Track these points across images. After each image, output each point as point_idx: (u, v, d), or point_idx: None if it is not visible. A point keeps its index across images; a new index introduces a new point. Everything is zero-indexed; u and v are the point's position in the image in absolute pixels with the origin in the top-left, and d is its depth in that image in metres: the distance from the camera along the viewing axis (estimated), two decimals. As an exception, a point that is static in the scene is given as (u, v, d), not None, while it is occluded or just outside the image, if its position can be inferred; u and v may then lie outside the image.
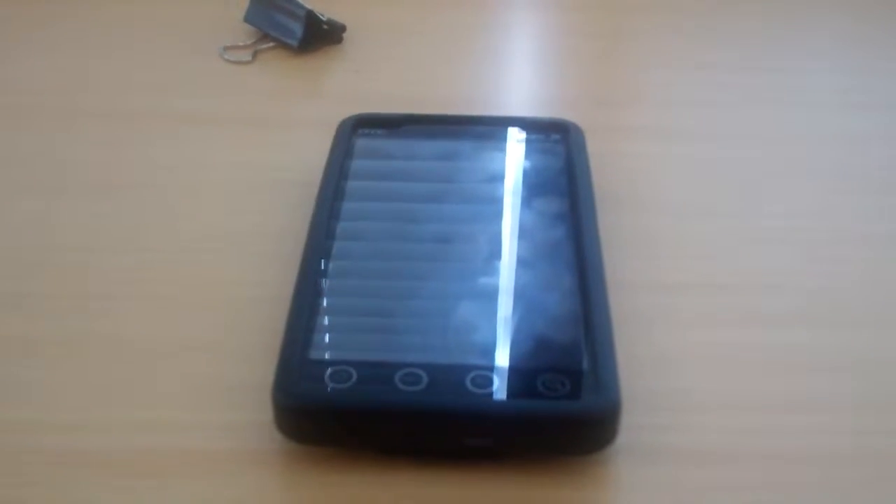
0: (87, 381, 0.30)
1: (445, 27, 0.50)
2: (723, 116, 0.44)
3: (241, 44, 0.48)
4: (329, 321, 0.30)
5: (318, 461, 0.28)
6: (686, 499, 0.27)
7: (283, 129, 0.42)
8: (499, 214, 0.34)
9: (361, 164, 0.36)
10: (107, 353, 0.31)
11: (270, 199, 0.38)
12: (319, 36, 0.48)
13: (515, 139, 0.38)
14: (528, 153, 0.37)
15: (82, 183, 0.39)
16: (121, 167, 0.40)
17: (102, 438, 0.29)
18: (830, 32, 0.51)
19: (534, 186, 0.35)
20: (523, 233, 0.33)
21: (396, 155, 0.37)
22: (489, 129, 0.38)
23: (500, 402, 0.27)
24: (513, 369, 0.28)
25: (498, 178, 0.36)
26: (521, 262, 0.32)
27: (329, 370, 0.28)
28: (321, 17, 0.48)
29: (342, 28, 0.48)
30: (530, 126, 0.38)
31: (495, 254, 0.32)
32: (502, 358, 0.28)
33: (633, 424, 0.29)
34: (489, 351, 0.28)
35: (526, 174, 0.36)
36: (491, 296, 0.30)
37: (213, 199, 0.38)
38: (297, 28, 0.47)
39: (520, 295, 0.30)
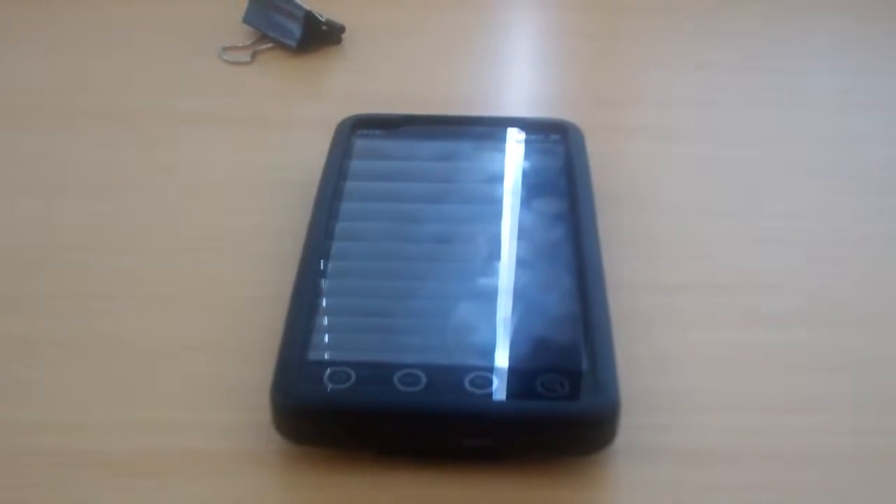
0: (86, 381, 0.30)
1: (445, 27, 0.50)
2: (723, 116, 0.44)
3: (239, 44, 0.48)
4: (328, 322, 0.30)
5: (317, 462, 0.28)
6: (685, 499, 0.27)
7: (282, 129, 0.42)
8: (498, 215, 0.34)
9: (360, 164, 0.36)
10: (106, 353, 0.31)
11: (269, 199, 0.38)
12: (318, 36, 0.48)
13: (514, 140, 0.38)
14: (528, 154, 0.37)
15: (82, 183, 0.39)
16: (120, 167, 0.40)
17: (102, 439, 0.29)
18: (830, 32, 0.51)
19: (533, 187, 0.35)
20: (522, 233, 0.33)
21: (395, 155, 0.37)
22: (488, 129, 0.38)
23: (499, 403, 0.27)
24: (512, 370, 0.28)
25: (497, 178, 0.36)
26: (520, 263, 0.32)
27: (328, 371, 0.28)
28: (320, 17, 0.48)
29: (341, 29, 0.48)
30: (529, 126, 0.38)
31: (494, 254, 0.32)
32: (501, 358, 0.28)
33: (632, 425, 0.29)
34: (488, 351, 0.28)
35: (525, 175, 0.36)
36: (490, 296, 0.30)
37: (212, 200, 0.38)
38: (296, 29, 0.47)
39: (519, 295, 0.30)
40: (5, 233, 0.36)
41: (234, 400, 0.30)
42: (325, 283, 0.31)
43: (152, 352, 0.31)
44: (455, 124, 0.38)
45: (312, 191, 0.35)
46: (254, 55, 0.47)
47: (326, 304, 0.30)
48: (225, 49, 0.48)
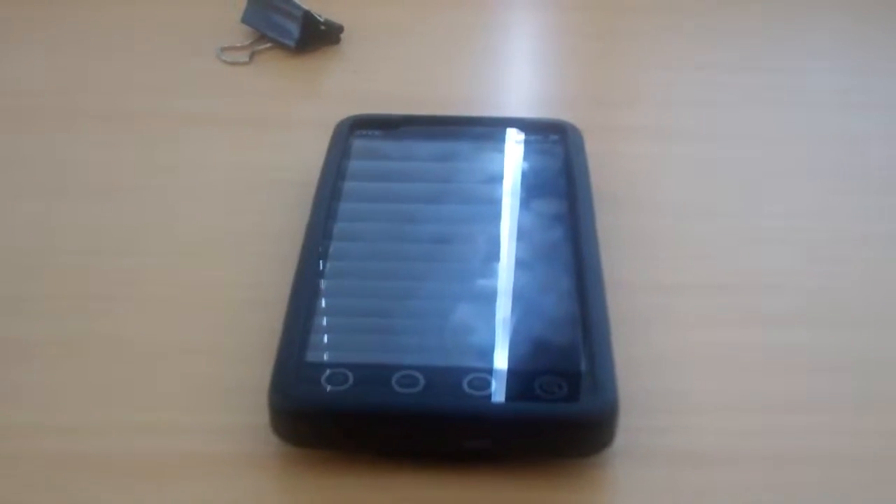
0: (85, 383, 0.30)
1: (443, 27, 0.50)
2: (723, 116, 0.43)
3: (238, 45, 0.48)
4: (326, 323, 0.30)
5: (315, 464, 0.28)
6: (684, 501, 0.27)
7: (280, 129, 0.42)
8: (496, 216, 0.34)
9: (359, 164, 0.36)
10: (105, 354, 0.31)
11: (268, 199, 0.38)
12: (317, 36, 0.48)
13: (513, 140, 0.37)
14: (527, 154, 0.37)
15: (81, 184, 0.39)
16: (118, 168, 0.39)
17: (101, 440, 0.29)
18: (830, 32, 0.50)
19: (532, 187, 0.35)
20: (521, 234, 0.33)
21: (394, 156, 0.37)
22: (487, 129, 0.38)
23: (498, 405, 0.27)
24: (510, 371, 0.28)
25: (496, 179, 0.35)
26: (519, 264, 0.32)
27: (326, 372, 0.28)
28: (318, 17, 0.47)
29: (339, 29, 0.48)
30: (528, 127, 0.38)
31: (493, 255, 0.32)
32: (499, 360, 0.28)
33: (631, 426, 0.29)
34: (486, 353, 0.28)
35: (524, 175, 0.36)
36: (488, 297, 0.30)
37: (210, 200, 0.38)
38: (295, 29, 0.47)
39: (517, 296, 0.30)
40: (5, 234, 0.36)
41: (233, 401, 0.30)
42: (323, 284, 0.31)
43: (151, 353, 0.31)
44: (454, 125, 0.38)
45: (311, 191, 0.35)
46: (252, 55, 0.47)
47: (324, 305, 0.30)
48: (223, 49, 0.48)
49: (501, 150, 0.37)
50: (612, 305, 0.32)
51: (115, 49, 0.48)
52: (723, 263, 0.35)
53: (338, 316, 0.30)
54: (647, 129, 0.43)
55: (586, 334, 0.29)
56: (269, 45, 0.48)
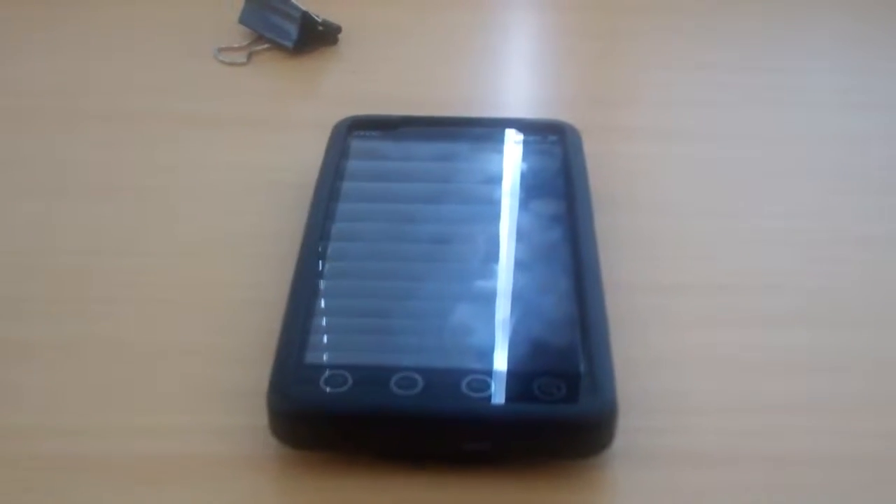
0: (85, 384, 0.30)
1: (442, 28, 0.50)
2: (722, 116, 0.43)
3: (235, 45, 0.48)
4: (325, 324, 0.29)
5: (314, 466, 0.28)
6: (684, 501, 0.27)
7: (278, 130, 0.42)
8: (495, 217, 0.34)
9: (357, 165, 0.36)
10: (105, 356, 0.31)
11: (266, 200, 0.38)
12: (314, 37, 0.48)
13: (512, 141, 0.37)
14: (525, 155, 0.37)
15: (80, 184, 0.38)
16: (117, 169, 0.39)
17: (100, 442, 0.29)
18: (830, 32, 0.50)
19: (530, 188, 0.35)
20: (520, 235, 0.33)
21: (392, 156, 0.37)
22: (485, 130, 0.38)
23: (497, 406, 0.27)
24: (509, 373, 0.28)
25: (494, 179, 0.35)
26: (518, 265, 0.32)
27: (324, 374, 0.28)
28: (316, 18, 0.47)
29: (337, 29, 0.48)
30: (527, 127, 0.38)
31: (491, 256, 0.32)
32: (498, 361, 0.28)
33: (630, 427, 0.29)
34: (485, 354, 0.28)
35: (522, 176, 0.36)
36: (487, 299, 0.30)
37: (209, 201, 0.38)
38: (292, 29, 0.47)
39: (516, 297, 0.30)
40: (5, 234, 0.36)
41: (231, 403, 0.30)
42: (322, 285, 0.31)
43: (151, 354, 0.31)
44: (452, 125, 0.38)
45: (309, 192, 0.35)
46: (250, 56, 0.47)
47: (323, 306, 0.30)
48: (221, 50, 0.48)
49: (500, 151, 0.37)
50: (611, 306, 0.32)
51: (114, 49, 0.48)
52: (722, 263, 0.35)
53: (336, 317, 0.30)
54: (647, 129, 0.42)
55: (585, 335, 0.29)
56: (266, 45, 0.48)
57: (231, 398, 0.30)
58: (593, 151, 0.39)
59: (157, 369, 0.31)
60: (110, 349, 0.31)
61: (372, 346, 0.29)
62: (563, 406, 0.27)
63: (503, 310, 0.30)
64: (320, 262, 0.32)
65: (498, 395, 0.27)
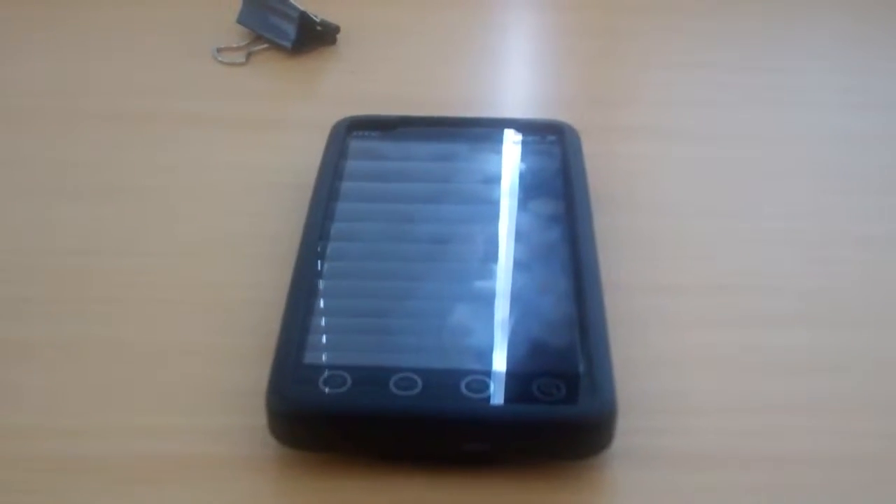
0: (84, 385, 0.30)
1: (441, 27, 0.50)
2: (723, 116, 0.43)
3: (234, 45, 0.48)
4: (324, 324, 0.29)
5: (313, 466, 0.28)
6: (684, 502, 0.27)
7: (277, 130, 0.42)
8: (494, 217, 0.34)
9: (356, 165, 0.36)
10: (104, 356, 0.31)
11: (265, 201, 0.38)
12: (313, 37, 0.48)
13: (511, 141, 0.37)
14: (524, 155, 0.37)
15: (80, 184, 0.38)
16: (117, 169, 0.39)
17: (100, 443, 0.29)
18: (830, 32, 0.50)
19: (529, 188, 0.35)
20: (519, 235, 0.33)
21: (391, 156, 0.37)
22: (484, 130, 0.38)
23: (496, 407, 0.27)
24: (508, 373, 0.28)
25: (493, 180, 0.35)
26: (517, 265, 0.31)
27: (323, 374, 0.27)
28: (314, 18, 0.47)
29: (336, 29, 0.48)
30: (526, 128, 0.38)
31: (490, 257, 0.32)
32: (498, 362, 0.28)
33: (629, 428, 0.29)
34: (484, 355, 0.28)
35: (521, 176, 0.35)
36: (486, 299, 0.30)
37: (208, 202, 0.38)
38: (291, 29, 0.47)
39: (515, 298, 0.30)
40: (5, 234, 0.36)
41: (231, 404, 0.30)
42: (321, 285, 0.31)
43: (150, 355, 0.31)
44: (451, 125, 0.38)
45: (308, 192, 0.35)
46: (248, 56, 0.47)
47: (322, 306, 0.30)
48: (220, 50, 0.47)
49: (499, 151, 0.37)
50: (610, 306, 0.32)
51: (114, 49, 0.48)
52: (722, 264, 0.35)
53: (336, 317, 0.30)
54: (646, 129, 0.42)
55: (584, 336, 0.29)
56: (265, 45, 0.48)
57: (230, 398, 0.30)
58: (592, 151, 0.39)
59: (156, 369, 0.31)
60: (110, 349, 0.31)
61: (371, 346, 0.29)
62: (563, 407, 0.27)
63: (502, 310, 0.30)
64: (319, 262, 0.32)
65: (497, 395, 0.27)
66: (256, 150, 0.41)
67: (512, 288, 0.31)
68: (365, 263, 0.32)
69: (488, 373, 0.28)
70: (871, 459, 0.28)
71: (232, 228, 0.36)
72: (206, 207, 0.37)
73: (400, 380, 0.27)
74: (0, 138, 0.41)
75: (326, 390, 0.27)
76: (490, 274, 0.31)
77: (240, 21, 0.49)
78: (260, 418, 0.29)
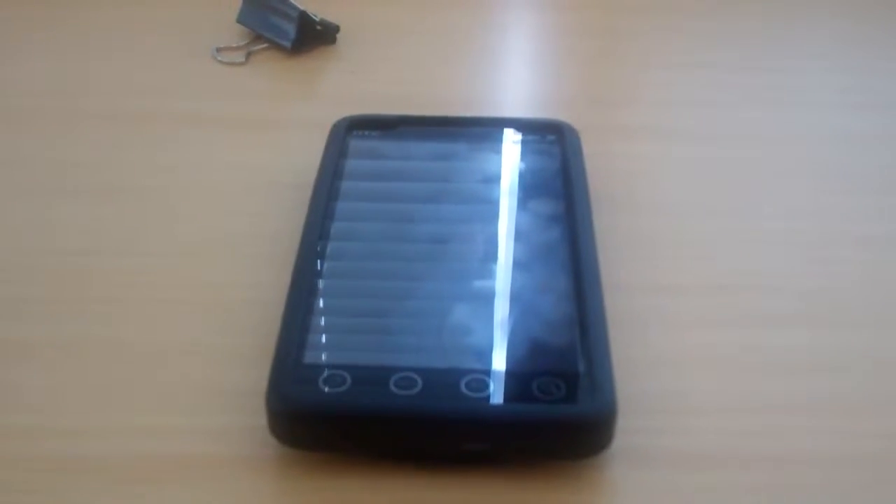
0: (84, 385, 0.30)
1: (440, 27, 0.50)
2: (723, 116, 0.43)
3: (234, 45, 0.48)
4: (323, 324, 0.29)
5: (313, 466, 0.28)
6: (683, 502, 0.27)
7: (277, 130, 0.42)
8: (494, 216, 0.34)
9: (356, 165, 0.36)
10: (104, 356, 0.31)
11: (265, 200, 0.38)
12: (313, 37, 0.48)
13: (510, 140, 0.37)
14: (524, 154, 0.37)
15: (80, 184, 0.38)
16: (117, 169, 0.39)
17: (99, 443, 0.29)
18: (830, 32, 0.50)
19: (529, 188, 0.35)
20: (518, 235, 0.33)
21: (391, 156, 0.37)
22: (484, 130, 0.38)
23: (495, 407, 0.27)
24: (508, 373, 0.28)
25: (493, 179, 0.35)
26: (517, 265, 0.31)
27: (323, 374, 0.27)
28: (314, 17, 0.47)
29: (336, 29, 0.48)
30: (525, 127, 0.38)
31: (490, 256, 0.32)
32: (497, 361, 0.28)
33: (629, 427, 0.29)
34: (484, 354, 0.28)
35: (521, 176, 0.35)
36: (486, 298, 0.30)
37: (208, 202, 0.38)
38: (290, 29, 0.47)
39: (515, 297, 0.30)
40: (5, 234, 0.36)
41: (231, 403, 0.30)
42: (320, 285, 0.31)
43: (150, 355, 0.31)
44: (451, 125, 0.38)
45: (308, 192, 0.35)
46: (248, 56, 0.47)
47: (322, 306, 0.30)
48: (219, 50, 0.47)
49: (498, 151, 0.37)
50: (610, 306, 0.32)
51: (114, 49, 0.48)
52: (722, 264, 0.35)
53: (335, 316, 0.30)
54: (646, 129, 0.42)
55: (584, 335, 0.29)
56: (265, 45, 0.48)
57: (230, 398, 0.30)
58: (592, 151, 0.39)
59: (156, 369, 0.31)
60: (110, 349, 0.31)
61: (371, 345, 0.29)
62: (563, 406, 0.27)
63: (502, 310, 0.30)
64: (319, 261, 0.32)
65: (497, 395, 0.27)
66: (256, 149, 0.41)
67: (512, 287, 0.31)
68: (365, 263, 0.32)
69: (488, 372, 0.28)
70: (871, 459, 0.28)
71: (232, 228, 0.36)
72: (206, 207, 0.37)
73: (400, 379, 0.27)
74: (0, 138, 0.41)
75: (326, 390, 0.27)
76: (490, 273, 0.31)
77: (239, 21, 0.49)
78: (260, 418, 0.29)
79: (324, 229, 0.33)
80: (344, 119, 0.38)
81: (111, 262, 0.35)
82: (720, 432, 0.29)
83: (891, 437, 0.29)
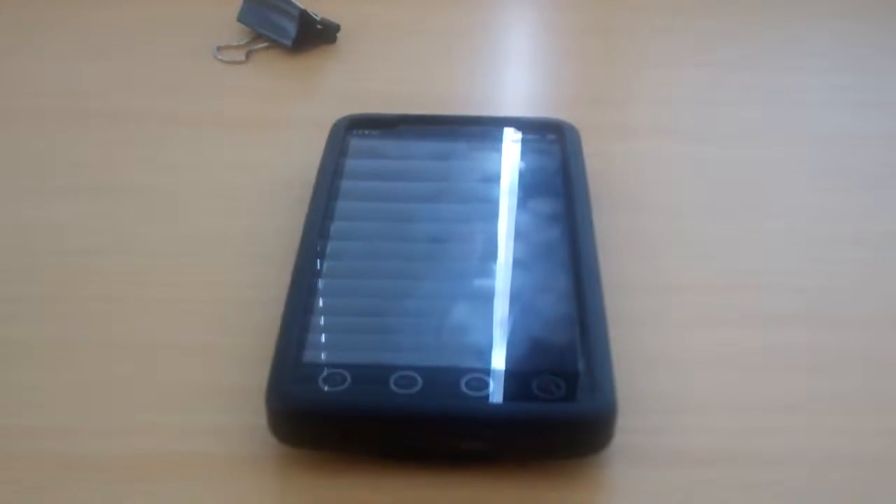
0: (83, 384, 0.30)
1: (440, 26, 0.50)
2: (723, 116, 0.43)
3: (234, 44, 0.48)
4: (323, 323, 0.29)
5: (313, 465, 0.28)
6: (683, 501, 0.27)
7: (277, 129, 0.42)
8: (494, 215, 0.34)
9: (356, 164, 0.36)
10: (103, 356, 0.31)
11: (265, 199, 0.38)
12: (313, 35, 0.48)
13: (510, 139, 0.37)
14: (524, 153, 0.37)
15: (80, 184, 0.38)
16: (117, 169, 0.39)
17: (99, 442, 0.28)
18: (830, 32, 0.50)
19: (529, 187, 0.35)
20: (518, 234, 0.33)
21: (391, 155, 0.37)
22: (484, 129, 0.38)
23: (495, 405, 0.27)
24: (508, 372, 0.28)
25: (493, 178, 0.35)
26: (517, 264, 0.31)
27: (323, 373, 0.27)
28: (315, 16, 0.47)
29: (336, 27, 0.48)
30: (525, 126, 0.38)
31: (490, 255, 0.32)
32: (497, 360, 0.28)
33: (629, 426, 0.29)
34: (484, 353, 0.28)
35: (521, 175, 0.35)
36: (486, 297, 0.30)
37: (207, 201, 0.38)
38: (291, 28, 0.47)
39: (515, 296, 0.30)
40: (5, 234, 0.36)
41: (230, 402, 0.30)
42: (320, 284, 0.31)
43: (149, 355, 0.31)
44: (451, 124, 0.38)
45: (308, 191, 0.35)
46: (249, 54, 0.47)
47: (322, 305, 0.30)
48: (219, 48, 0.47)
49: (498, 150, 0.37)
50: (610, 305, 0.32)
51: (114, 49, 0.48)
52: (722, 263, 0.35)
53: (335, 315, 0.30)
54: (646, 128, 0.42)
55: (584, 334, 0.29)
56: (265, 44, 0.48)
57: (230, 397, 0.30)
58: (592, 150, 0.39)
59: (155, 368, 0.31)
60: (110, 348, 0.31)
61: (371, 344, 0.29)
62: (562, 405, 0.27)
63: (502, 309, 0.30)
64: (319, 260, 0.32)
65: (497, 393, 0.27)
66: (256, 148, 0.41)
67: (511, 286, 0.31)
68: (365, 262, 0.32)
69: (488, 371, 0.28)
70: (871, 459, 0.28)
71: (232, 227, 0.36)
72: (206, 206, 0.37)
73: (400, 378, 0.27)
74: (0, 138, 0.41)
75: (326, 388, 0.27)
76: (490, 272, 0.31)
77: (240, 19, 0.49)
78: (260, 417, 0.29)
79: (324, 228, 0.33)
80: (344, 118, 0.38)
81: (111, 262, 0.35)
82: (720, 431, 0.29)
83: (891, 437, 0.29)
